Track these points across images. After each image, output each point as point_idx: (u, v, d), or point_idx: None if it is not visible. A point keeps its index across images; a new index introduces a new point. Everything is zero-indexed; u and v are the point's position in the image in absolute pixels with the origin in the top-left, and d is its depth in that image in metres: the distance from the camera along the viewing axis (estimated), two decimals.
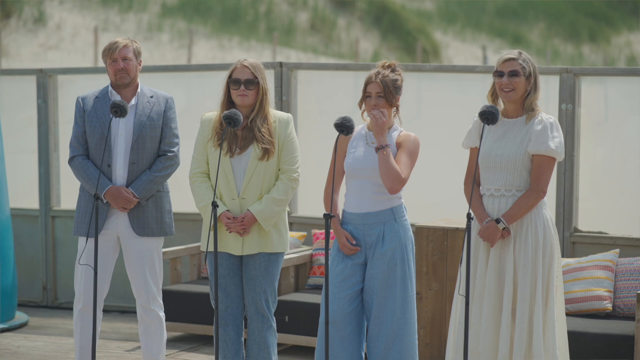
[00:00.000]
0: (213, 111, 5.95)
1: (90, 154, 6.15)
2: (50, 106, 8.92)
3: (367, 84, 5.62)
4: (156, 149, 6.18)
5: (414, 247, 5.76)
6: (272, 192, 5.83)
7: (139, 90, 6.16)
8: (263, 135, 5.80)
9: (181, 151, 6.34)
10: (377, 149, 5.53)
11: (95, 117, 6.11)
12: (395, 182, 5.53)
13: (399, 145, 5.65)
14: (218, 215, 5.74)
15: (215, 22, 36.06)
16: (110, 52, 6.09)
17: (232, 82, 5.81)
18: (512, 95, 5.52)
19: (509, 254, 5.50)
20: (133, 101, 6.13)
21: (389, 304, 5.63)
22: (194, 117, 6.05)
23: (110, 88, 6.17)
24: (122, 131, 6.09)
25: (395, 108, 5.67)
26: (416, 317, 5.72)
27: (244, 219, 5.78)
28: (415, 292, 5.72)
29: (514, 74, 5.51)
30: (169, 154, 6.20)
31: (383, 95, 5.59)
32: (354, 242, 5.66)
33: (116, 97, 6.13)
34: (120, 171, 6.11)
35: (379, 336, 5.65)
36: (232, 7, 37.31)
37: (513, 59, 5.53)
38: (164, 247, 7.87)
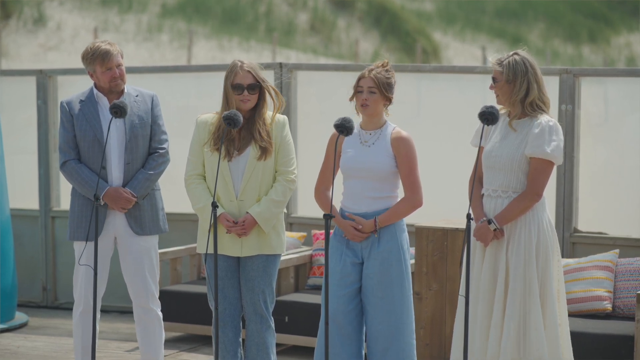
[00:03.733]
0: (209, 113, 5.94)
1: (82, 157, 6.14)
2: (50, 107, 8.92)
3: (359, 79, 5.68)
4: (147, 147, 6.18)
5: (409, 247, 5.76)
6: (270, 193, 5.82)
7: (125, 91, 6.15)
8: (261, 135, 5.80)
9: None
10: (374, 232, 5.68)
11: (85, 121, 6.10)
12: (417, 205, 5.70)
13: (395, 148, 5.65)
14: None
15: (215, 22, 36.06)
16: (105, 60, 6.04)
17: (235, 87, 5.80)
18: (498, 100, 5.54)
19: (503, 255, 5.49)
20: None
21: (387, 304, 5.62)
22: (194, 118, 6.04)
23: (95, 91, 6.14)
24: (114, 132, 6.08)
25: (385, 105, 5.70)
26: (414, 317, 5.72)
27: (244, 222, 5.77)
28: (412, 292, 5.72)
29: (493, 79, 5.53)
30: (160, 151, 6.21)
31: (377, 90, 5.62)
32: (360, 227, 5.66)
33: (103, 99, 6.12)
34: (116, 172, 6.11)
35: (376, 336, 5.65)
36: (232, 8, 37.31)
37: (495, 64, 5.54)
38: (164, 248, 7.89)
